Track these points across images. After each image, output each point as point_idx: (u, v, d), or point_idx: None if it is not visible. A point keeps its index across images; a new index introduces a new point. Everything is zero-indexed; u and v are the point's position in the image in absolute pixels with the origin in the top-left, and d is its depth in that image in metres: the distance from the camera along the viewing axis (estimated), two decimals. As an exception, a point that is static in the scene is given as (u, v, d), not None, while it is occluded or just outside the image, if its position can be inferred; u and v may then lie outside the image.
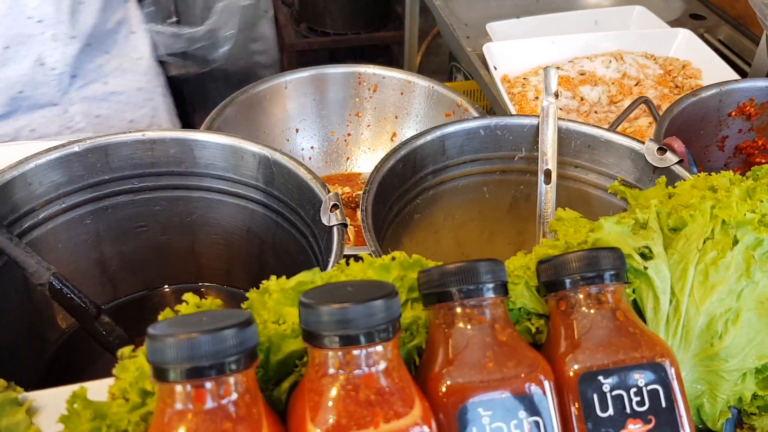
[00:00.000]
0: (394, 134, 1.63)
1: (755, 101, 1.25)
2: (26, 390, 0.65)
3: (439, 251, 1.21)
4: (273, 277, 0.58)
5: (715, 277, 0.61)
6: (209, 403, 0.47)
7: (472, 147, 1.11)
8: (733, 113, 1.25)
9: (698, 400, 0.64)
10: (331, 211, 0.92)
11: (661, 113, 1.24)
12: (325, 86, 1.58)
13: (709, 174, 0.71)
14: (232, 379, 0.48)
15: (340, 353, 0.50)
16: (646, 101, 1.28)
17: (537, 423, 0.53)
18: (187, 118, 2.34)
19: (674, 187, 0.72)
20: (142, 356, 0.56)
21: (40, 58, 1.44)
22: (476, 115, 1.43)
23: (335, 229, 0.90)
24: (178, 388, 0.47)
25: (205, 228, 1.11)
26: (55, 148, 0.98)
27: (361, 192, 1.52)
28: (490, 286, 0.57)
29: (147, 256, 1.12)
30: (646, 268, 0.62)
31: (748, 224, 0.60)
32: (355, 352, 0.50)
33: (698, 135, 1.26)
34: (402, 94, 1.59)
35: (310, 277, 0.59)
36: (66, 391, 0.58)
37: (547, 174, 1.08)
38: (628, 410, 0.55)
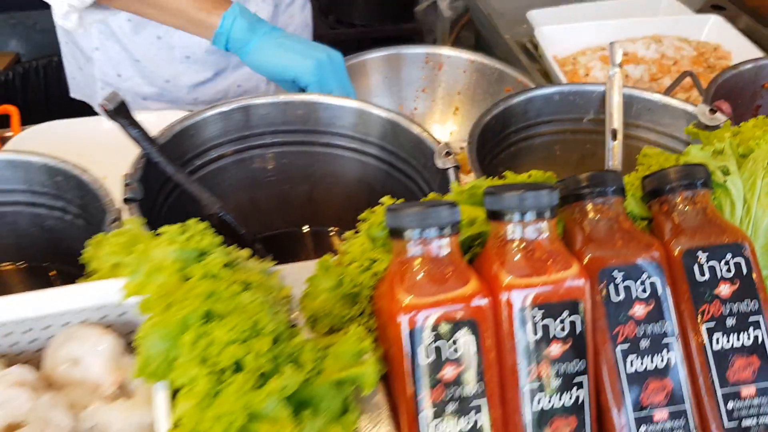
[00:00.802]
0: (457, 108, 1.83)
1: (785, 75, 1.45)
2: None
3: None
4: (454, 184, 0.79)
5: (777, 187, 0.81)
6: (433, 254, 0.68)
7: (548, 110, 1.31)
8: (766, 85, 1.45)
9: (764, 282, 0.85)
10: (445, 156, 1.12)
11: (708, 83, 1.44)
12: (397, 65, 1.78)
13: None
14: (447, 240, 0.69)
15: (519, 225, 0.70)
16: (691, 74, 1.49)
17: (653, 283, 0.74)
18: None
19: (739, 126, 0.92)
20: (362, 237, 0.76)
21: None
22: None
23: (450, 170, 1.10)
24: (409, 243, 0.68)
25: (322, 179, 1.31)
26: (209, 108, 1.18)
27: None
28: (614, 189, 0.77)
29: (272, 202, 1.32)
30: (725, 181, 0.83)
31: (801, 147, 0.81)
32: (529, 225, 0.70)
33: (736, 104, 1.46)
34: (464, 71, 1.79)
35: (480, 183, 0.79)
36: (302, 265, 0.79)
37: (614, 133, 1.28)
38: (718, 276, 0.75)
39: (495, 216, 0.72)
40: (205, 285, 0.61)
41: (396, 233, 0.69)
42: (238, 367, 0.58)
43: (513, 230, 0.71)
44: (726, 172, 0.83)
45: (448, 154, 1.13)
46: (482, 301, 0.67)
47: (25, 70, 3.11)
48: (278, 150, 1.27)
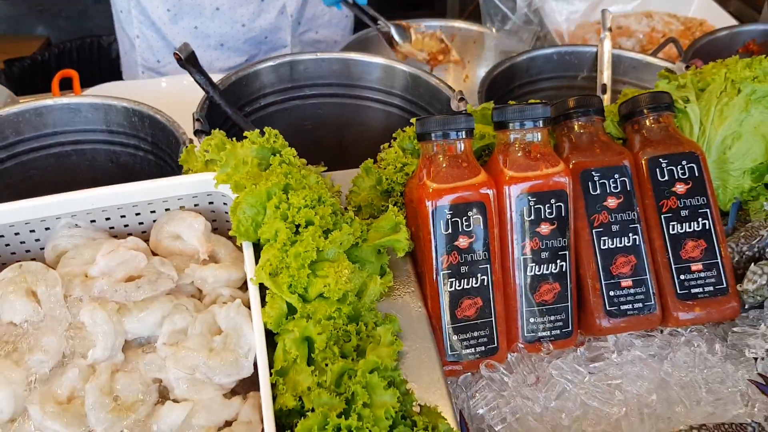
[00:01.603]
0: (467, 76, 2.03)
1: (756, 41, 1.65)
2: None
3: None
4: (469, 105, 1.00)
5: (727, 113, 1.02)
6: (453, 152, 0.88)
7: (548, 67, 1.52)
8: (741, 50, 1.66)
9: (716, 191, 1.05)
10: (459, 102, 1.32)
11: (687, 46, 1.64)
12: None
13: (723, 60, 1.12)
14: (463, 143, 0.89)
15: (518, 133, 0.91)
16: (674, 40, 1.68)
17: (624, 182, 0.94)
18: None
19: (701, 68, 1.12)
20: (396, 146, 0.97)
21: (283, 7, 1.81)
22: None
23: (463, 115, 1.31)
24: (433, 143, 0.88)
25: (352, 127, 1.51)
26: (262, 61, 1.39)
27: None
28: (594, 109, 0.98)
29: (307, 148, 1.52)
30: (685, 107, 1.03)
31: (747, 80, 1.01)
32: (527, 132, 0.91)
33: (714, 66, 1.66)
34: (474, 42, 1.99)
35: (489, 105, 1.00)
36: (348, 171, 1.00)
37: (604, 87, 1.49)
38: (676, 177, 0.95)
39: (500, 126, 0.92)
40: (283, 168, 0.82)
41: (424, 137, 0.89)
42: (309, 224, 0.79)
43: (514, 136, 0.91)
44: (686, 101, 1.04)
45: (461, 99, 1.33)
46: (489, 190, 0.88)
47: (60, 51, 3.31)
48: (315, 101, 1.48)
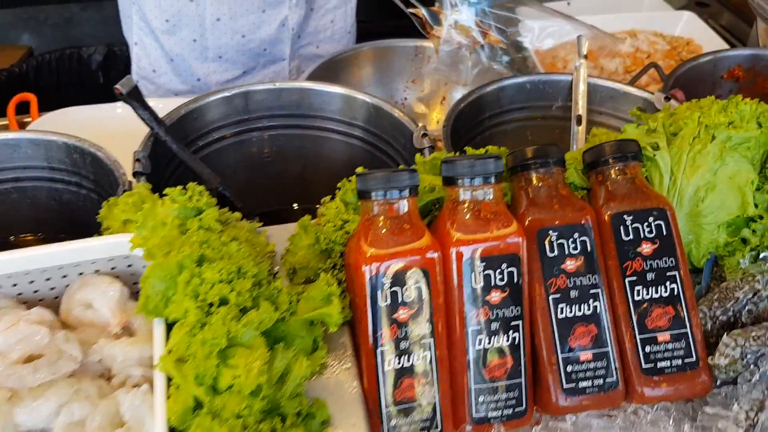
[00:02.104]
0: (443, 98, 1.95)
1: (743, 66, 1.57)
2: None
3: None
4: (417, 155, 0.92)
5: (700, 161, 0.94)
6: (394, 213, 0.80)
7: (520, 97, 1.44)
8: (725, 76, 1.57)
9: (689, 247, 0.97)
10: (422, 138, 1.24)
11: (668, 73, 1.56)
12: (389, 56, 1.90)
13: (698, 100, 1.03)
14: (406, 201, 0.81)
15: (468, 190, 0.83)
16: (655, 66, 1.60)
17: (585, 242, 0.86)
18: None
19: (674, 109, 1.04)
20: (337, 201, 0.89)
21: (285, 19, 1.75)
22: (516, 80, 1.76)
23: (426, 150, 1.23)
24: (374, 203, 0.80)
25: (314, 159, 1.43)
26: (215, 92, 1.31)
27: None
28: (554, 160, 0.89)
29: (268, 181, 1.44)
30: (654, 155, 0.95)
31: (721, 125, 0.93)
32: (477, 189, 0.83)
33: (696, 94, 1.57)
34: (452, 63, 1.91)
35: (440, 155, 0.92)
36: (285, 226, 0.91)
37: (579, 118, 1.41)
38: (642, 236, 0.87)
39: (449, 181, 0.84)
40: (200, 235, 0.74)
41: (364, 195, 0.81)
42: (223, 303, 0.71)
43: (463, 193, 0.83)
44: (656, 148, 0.96)
45: (424, 135, 1.25)
46: (434, 254, 0.80)
47: (39, 63, 3.23)
48: (273, 133, 1.40)
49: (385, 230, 0.80)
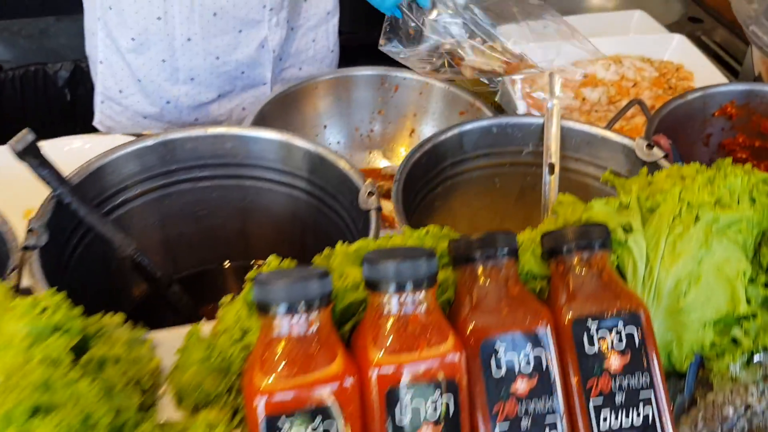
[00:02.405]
0: (413, 130, 1.80)
1: (736, 103, 1.41)
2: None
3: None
4: (338, 243, 0.76)
5: (681, 247, 0.78)
6: (300, 331, 0.65)
7: (485, 142, 1.28)
8: (716, 113, 1.42)
9: (668, 347, 0.81)
10: (368, 197, 1.09)
11: (653, 113, 1.40)
12: (352, 86, 1.75)
13: (682, 165, 0.88)
14: (315, 315, 0.65)
15: (394, 297, 0.67)
16: (639, 102, 1.45)
17: (538, 356, 0.70)
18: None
19: (653, 176, 0.89)
20: (240, 302, 0.73)
21: (264, 40, 1.61)
22: (488, 114, 1.60)
23: (372, 212, 1.07)
24: (277, 320, 0.65)
25: (254, 213, 1.28)
26: (133, 142, 1.16)
27: (382, 183, 1.69)
28: (505, 251, 0.74)
29: (203, 236, 1.29)
30: (626, 239, 0.79)
31: (706, 205, 0.77)
32: (405, 296, 0.67)
33: (685, 133, 1.43)
34: (420, 93, 1.75)
35: (366, 244, 0.76)
36: (177, 332, 0.76)
37: (551, 166, 1.25)
38: (610, 347, 0.72)
39: (371, 285, 0.68)
40: (40, 372, 0.58)
41: (262, 308, 0.65)
42: (66, 464, 0.55)
43: (387, 302, 0.67)
44: (629, 230, 0.80)
45: (371, 194, 1.09)
46: (347, 382, 0.64)
47: (2, 80, 3.08)
48: (208, 184, 1.25)
49: (286, 353, 0.64)
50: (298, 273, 0.67)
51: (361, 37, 3.55)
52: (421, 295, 0.68)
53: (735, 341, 0.80)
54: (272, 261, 0.75)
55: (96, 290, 1.16)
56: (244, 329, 0.71)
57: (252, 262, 1.30)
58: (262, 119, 1.53)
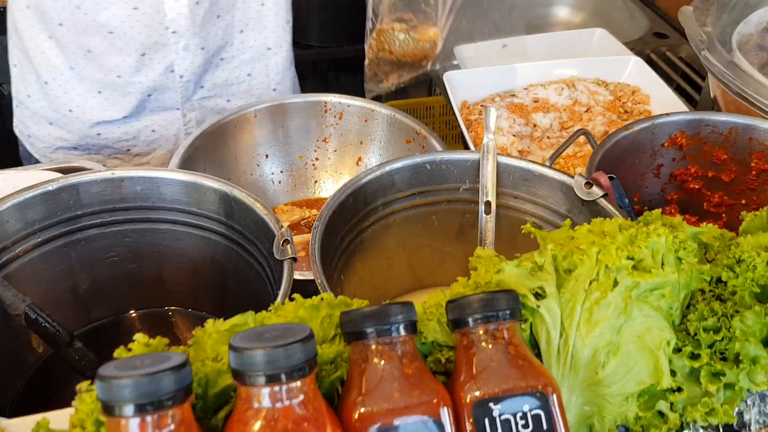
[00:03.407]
0: (360, 158, 1.72)
1: (686, 133, 1.35)
2: (4, 415, 0.74)
3: (393, 275, 1.30)
4: (210, 321, 0.68)
5: (598, 315, 0.70)
6: (150, 433, 0.56)
7: (419, 180, 1.20)
8: (666, 144, 1.35)
9: (589, 420, 0.74)
10: (282, 245, 1.01)
11: (598, 145, 1.33)
12: (292, 114, 1.67)
13: (625, 212, 0.81)
14: (170, 413, 0.57)
15: (264, 390, 0.59)
16: (585, 133, 1.38)
17: (435, 444, 0.63)
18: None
19: (575, 230, 0.81)
20: (94, 395, 0.65)
21: (170, 65, 1.54)
22: (434, 142, 1.52)
23: (285, 262, 0.99)
24: (123, 422, 0.56)
25: (171, 257, 1.20)
26: (31, 188, 1.07)
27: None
28: (400, 326, 0.66)
29: (118, 283, 1.21)
30: (538, 306, 0.72)
31: (624, 269, 0.70)
32: (276, 388, 0.59)
33: (633, 164, 1.36)
34: (366, 121, 1.68)
35: (243, 320, 0.68)
36: (30, 420, 0.67)
37: (488, 205, 1.18)
38: (514, 432, 0.64)
39: (237, 376, 0.60)
40: None
41: (107, 409, 0.57)
42: None
43: (255, 395, 0.59)
44: (542, 295, 0.72)
45: (286, 242, 1.02)
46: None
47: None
48: (119, 228, 1.16)
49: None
50: (151, 363, 0.58)
51: (332, 51, 3.48)
52: (296, 384, 0.60)
53: (662, 415, 0.73)
54: (140, 339, 0.67)
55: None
56: (98, 422, 0.62)
57: (168, 309, 1.21)
58: (194, 150, 1.46)
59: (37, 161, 1.69)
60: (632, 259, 0.71)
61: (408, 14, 1.66)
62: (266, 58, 1.71)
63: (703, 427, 0.73)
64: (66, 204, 1.10)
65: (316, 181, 1.76)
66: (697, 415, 0.71)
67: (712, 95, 1.64)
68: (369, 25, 1.70)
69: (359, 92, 1.92)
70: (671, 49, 2.31)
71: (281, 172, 1.72)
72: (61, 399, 1.04)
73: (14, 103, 1.66)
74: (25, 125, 1.66)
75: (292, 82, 1.83)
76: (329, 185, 1.75)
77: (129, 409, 0.56)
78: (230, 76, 1.67)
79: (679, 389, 0.71)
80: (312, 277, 1.07)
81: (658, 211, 0.81)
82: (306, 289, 0.85)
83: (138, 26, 1.46)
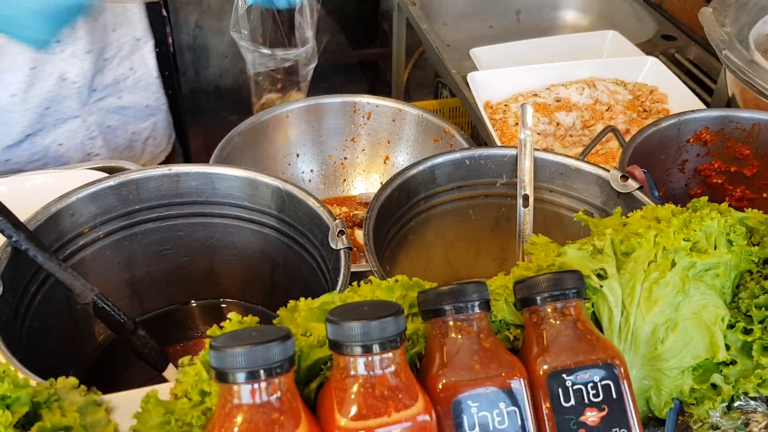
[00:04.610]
0: (387, 157, 1.78)
1: (710, 129, 1.40)
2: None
3: (431, 267, 1.35)
4: (301, 299, 0.73)
5: (657, 293, 0.76)
6: (260, 399, 0.61)
7: (458, 175, 1.25)
8: (691, 140, 1.41)
9: (647, 393, 0.79)
10: (337, 236, 1.06)
11: (627, 138, 1.39)
12: (323, 115, 1.73)
13: (658, 204, 0.86)
14: (277, 381, 0.62)
15: (360, 359, 0.64)
16: (613, 130, 1.43)
17: (514, 412, 0.68)
18: (183, 131, 2.49)
19: (627, 216, 0.86)
20: (199, 363, 0.70)
21: (62, 74, 1.56)
22: (461, 140, 1.58)
23: (342, 252, 1.04)
24: (236, 387, 0.61)
25: (223, 250, 1.25)
26: (94, 183, 1.12)
27: (357, 212, 1.67)
28: (476, 303, 0.71)
29: (172, 275, 1.25)
30: (601, 286, 0.77)
31: (682, 250, 0.75)
32: (372, 357, 0.64)
33: (660, 160, 1.41)
34: (394, 121, 1.73)
35: (331, 298, 0.73)
36: (135, 393, 0.72)
37: (525, 198, 1.23)
38: (586, 401, 0.69)
39: (335, 346, 0.65)
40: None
41: (220, 375, 0.62)
42: None
43: (352, 364, 0.64)
44: (604, 276, 0.78)
45: (341, 233, 1.06)
46: (310, 453, 0.61)
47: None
48: (173, 223, 1.21)
49: (247, 421, 0.61)
50: (258, 336, 0.63)
51: (339, 56, 3.54)
52: (389, 355, 0.65)
53: (715, 387, 0.78)
54: (234, 317, 0.72)
55: (58, 337, 1.12)
56: (203, 392, 0.67)
57: (221, 300, 1.26)
58: (232, 151, 1.51)
59: None
60: (688, 241, 0.76)
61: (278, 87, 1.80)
62: (138, 49, 1.73)
63: (753, 399, 0.78)
64: (125, 199, 1.15)
65: (344, 180, 1.81)
66: (750, 387, 0.76)
67: (729, 93, 1.69)
68: (254, 100, 1.82)
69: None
70: (679, 51, 2.36)
71: (311, 171, 1.77)
72: (120, 386, 1.08)
73: None
74: None
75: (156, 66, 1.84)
76: (358, 183, 1.80)
77: (242, 375, 0.61)
78: (116, 74, 1.69)
79: (733, 362, 0.76)
80: (358, 270, 1.12)
81: (705, 198, 0.86)
82: (354, 280, 0.89)
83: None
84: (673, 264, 0.76)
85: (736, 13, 1.65)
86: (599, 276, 0.78)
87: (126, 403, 0.71)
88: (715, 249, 0.77)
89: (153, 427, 0.67)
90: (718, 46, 1.56)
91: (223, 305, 1.28)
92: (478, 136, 2.19)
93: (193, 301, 1.29)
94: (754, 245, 0.84)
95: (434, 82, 3.01)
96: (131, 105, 1.74)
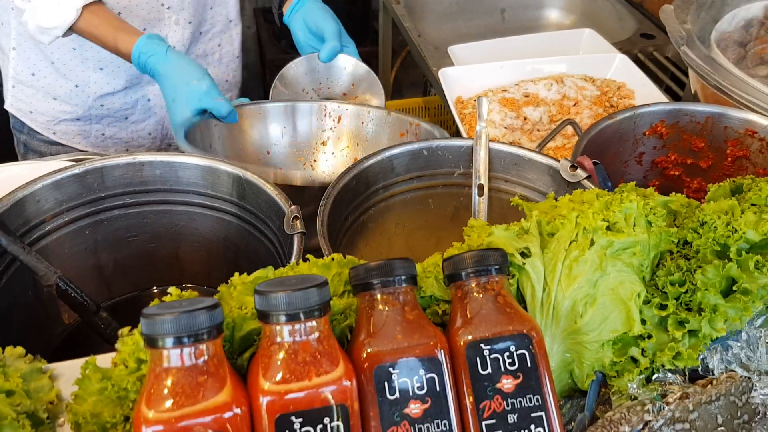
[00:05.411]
0: (356, 159, 1.81)
1: (665, 122, 1.44)
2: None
3: (392, 255, 1.39)
4: (236, 274, 0.77)
5: (577, 270, 0.80)
6: (187, 362, 0.66)
7: (417, 165, 1.30)
8: (647, 133, 1.45)
9: (570, 366, 0.83)
10: (292, 221, 1.10)
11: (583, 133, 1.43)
12: (295, 116, 1.76)
13: (583, 191, 0.90)
14: (203, 346, 0.66)
15: (285, 327, 0.68)
16: (572, 123, 1.48)
17: (433, 378, 0.72)
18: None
19: (557, 200, 0.91)
20: (138, 334, 0.74)
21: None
22: (427, 126, 1.62)
23: (295, 236, 1.09)
24: (165, 352, 0.65)
25: (187, 237, 1.29)
26: (59, 170, 1.16)
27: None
28: (402, 278, 0.75)
29: (137, 261, 1.29)
30: (524, 264, 0.81)
31: (599, 230, 0.79)
32: (294, 326, 0.68)
33: (617, 152, 1.45)
34: (362, 122, 1.77)
35: (265, 273, 0.78)
36: (79, 362, 0.76)
37: (480, 188, 1.27)
38: (502, 369, 0.73)
39: (262, 316, 0.70)
40: None
41: (149, 341, 0.66)
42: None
43: (277, 332, 0.69)
44: (527, 254, 0.82)
45: (296, 218, 1.11)
46: (235, 410, 0.65)
47: None
48: (138, 210, 1.25)
49: (174, 384, 0.65)
50: (188, 305, 0.68)
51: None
52: (312, 324, 0.69)
53: (634, 360, 0.82)
54: (174, 292, 0.76)
55: (24, 319, 1.16)
56: (139, 360, 0.71)
57: (186, 285, 1.30)
58: (203, 138, 1.54)
59: (33, 153, 1.80)
60: (607, 221, 0.80)
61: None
62: (229, 29, 1.91)
63: (671, 371, 0.82)
64: (91, 186, 1.19)
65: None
66: (665, 359, 0.80)
67: (693, 90, 1.74)
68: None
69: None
70: (658, 49, 2.40)
71: (281, 170, 1.80)
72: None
73: (9, 83, 1.79)
74: (25, 103, 1.78)
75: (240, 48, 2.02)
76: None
77: (170, 341, 0.65)
78: (207, 48, 1.86)
79: (649, 336, 0.80)
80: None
81: (632, 183, 0.90)
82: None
83: (141, 4, 1.62)
84: (592, 243, 0.80)
85: (698, 10, 1.70)
86: (523, 254, 0.82)
87: (70, 371, 0.76)
88: (634, 229, 0.81)
89: (92, 392, 0.71)
90: (677, 42, 1.60)
91: (186, 291, 1.32)
92: (458, 131, 2.24)
93: (159, 287, 1.33)
94: (677, 227, 0.88)
95: (423, 81, 3.05)
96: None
